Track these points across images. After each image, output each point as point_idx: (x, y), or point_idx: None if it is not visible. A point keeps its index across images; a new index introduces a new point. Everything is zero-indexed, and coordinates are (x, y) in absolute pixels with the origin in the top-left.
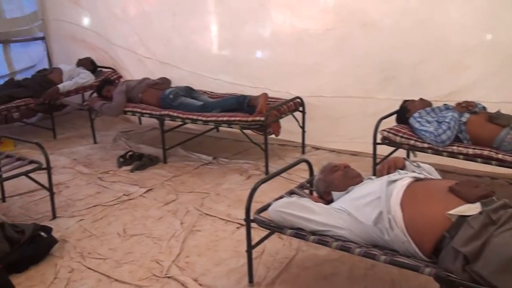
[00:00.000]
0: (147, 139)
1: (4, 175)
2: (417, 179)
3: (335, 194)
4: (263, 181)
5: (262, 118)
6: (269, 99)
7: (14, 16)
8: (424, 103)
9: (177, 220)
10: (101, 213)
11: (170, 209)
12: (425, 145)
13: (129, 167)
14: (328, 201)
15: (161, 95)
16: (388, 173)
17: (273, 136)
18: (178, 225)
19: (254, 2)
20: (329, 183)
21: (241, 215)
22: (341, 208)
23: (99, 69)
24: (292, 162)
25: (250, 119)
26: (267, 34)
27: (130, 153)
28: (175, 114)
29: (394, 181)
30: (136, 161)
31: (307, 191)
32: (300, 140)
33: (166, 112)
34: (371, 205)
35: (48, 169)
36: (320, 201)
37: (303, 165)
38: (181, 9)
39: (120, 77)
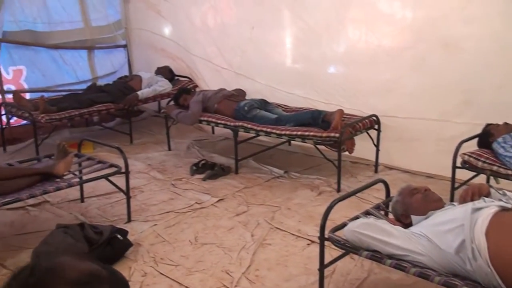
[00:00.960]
0: (219, 148)
1: (85, 177)
2: (504, 209)
3: (414, 218)
4: (340, 199)
5: (337, 135)
6: (344, 116)
7: (100, 25)
8: (508, 128)
9: (248, 232)
10: (174, 220)
11: (241, 220)
12: (510, 171)
13: (201, 176)
14: (406, 224)
15: (236, 107)
16: (472, 200)
17: (346, 153)
18: (249, 237)
19: (331, 18)
20: (408, 206)
21: (312, 231)
22: (420, 233)
23: (177, 77)
24: (364, 180)
25: (324, 134)
26: (342, 50)
27: (203, 161)
28: (249, 126)
29: (479, 208)
30: (208, 170)
31: (383, 212)
32: (372, 158)
33: (240, 124)
34: (453, 233)
35: (127, 173)
36: (398, 224)
37: (377, 184)
38: (259, 23)
39: (197, 86)
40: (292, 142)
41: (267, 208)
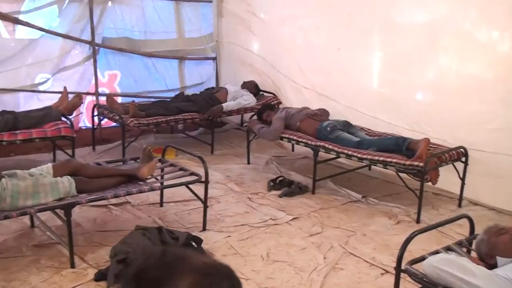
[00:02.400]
0: (298, 166)
1: (166, 183)
2: None
3: (499, 259)
4: (420, 231)
5: (421, 164)
6: (429, 145)
7: (193, 36)
8: None
9: (320, 254)
10: (248, 233)
11: (314, 241)
12: None
13: (278, 192)
14: (490, 265)
15: (319, 126)
16: None
17: (429, 183)
18: (321, 259)
19: (422, 44)
20: (494, 246)
21: (387, 261)
22: (506, 277)
23: (262, 93)
24: (446, 213)
25: (408, 162)
26: (431, 78)
27: (280, 178)
28: (330, 146)
29: None
30: (285, 187)
31: (465, 249)
32: (457, 192)
33: (321, 144)
34: None
35: (206, 183)
36: (481, 264)
37: (461, 220)
38: (346, 45)
39: (280, 103)
40: (373, 167)
41: (342, 231)
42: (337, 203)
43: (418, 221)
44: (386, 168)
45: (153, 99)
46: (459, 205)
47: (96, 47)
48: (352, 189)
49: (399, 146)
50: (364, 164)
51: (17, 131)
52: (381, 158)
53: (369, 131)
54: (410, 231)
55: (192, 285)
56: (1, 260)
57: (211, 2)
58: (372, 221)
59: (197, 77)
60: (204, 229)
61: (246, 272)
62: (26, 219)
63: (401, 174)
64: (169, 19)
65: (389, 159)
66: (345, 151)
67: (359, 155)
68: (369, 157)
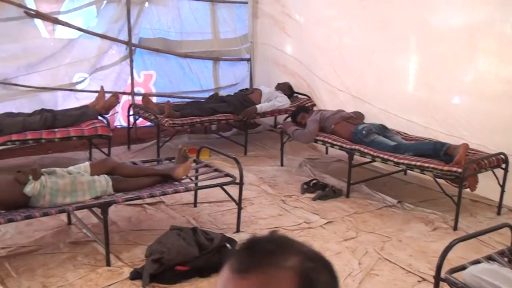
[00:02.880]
0: (331, 169)
1: (201, 183)
2: None
3: None
4: (461, 240)
5: (460, 170)
6: (468, 151)
7: (227, 37)
8: None
9: (355, 259)
10: None
11: (348, 245)
12: None
13: (311, 195)
14: None
15: (354, 130)
16: None
17: (467, 190)
18: (356, 265)
19: (460, 47)
20: None
21: (424, 268)
22: None
23: (296, 95)
24: (484, 221)
25: (446, 168)
26: (469, 81)
27: (314, 181)
28: (365, 150)
29: None
30: (319, 190)
31: (506, 259)
32: (496, 199)
33: (357, 147)
34: None
35: (241, 184)
36: None
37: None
38: (381, 47)
39: (314, 105)
40: (408, 171)
41: (377, 237)
42: (372, 208)
43: (455, 228)
44: (423, 174)
45: (187, 100)
46: (498, 213)
47: (133, 47)
48: (387, 194)
49: (437, 151)
50: (400, 168)
51: (56, 129)
52: (419, 163)
53: (405, 135)
54: (447, 238)
55: (298, 265)
56: (40, 255)
57: (247, 3)
58: (408, 227)
59: (231, 78)
60: (238, 230)
61: None
62: (63, 216)
63: (438, 180)
64: (205, 20)
65: (426, 164)
66: (381, 155)
67: (395, 160)
68: (406, 161)
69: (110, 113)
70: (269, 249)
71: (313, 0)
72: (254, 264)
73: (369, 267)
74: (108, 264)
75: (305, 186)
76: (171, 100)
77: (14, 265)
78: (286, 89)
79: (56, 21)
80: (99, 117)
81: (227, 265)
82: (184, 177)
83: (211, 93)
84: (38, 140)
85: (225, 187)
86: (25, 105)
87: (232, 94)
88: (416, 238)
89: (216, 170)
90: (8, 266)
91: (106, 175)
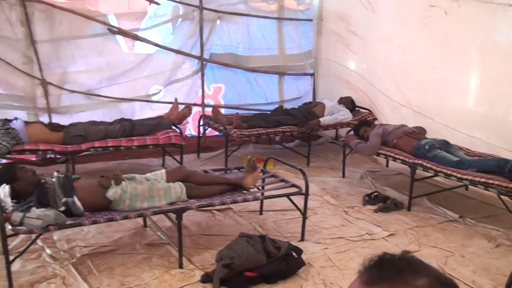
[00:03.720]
0: (392, 182)
1: (268, 193)
2: None
3: None
4: None
5: None
6: None
7: (293, 53)
8: None
9: None
10: (344, 246)
11: None
12: None
13: (373, 207)
14: None
15: (417, 144)
16: None
17: None
18: None
19: None
20: None
21: (488, 285)
22: None
23: (358, 108)
24: None
25: (511, 185)
26: None
27: (375, 193)
28: (428, 165)
29: None
30: (381, 202)
31: None
32: None
33: (419, 162)
34: None
35: (306, 195)
36: None
37: None
38: (442, 64)
39: (376, 119)
40: (470, 187)
41: (440, 251)
42: (433, 222)
43: None
44: (487, 190)
45: (253, 111)
46: None
47: (204, 62)
48: (448, 208)
49: (501, 168)
50: (462, 183)
51: (133, 138)
52: (482, 180)
53: (468, 150)
54: (511, 256)
55: (427, 286)
56: (118, 255)
57: (312, 21)
58: (471, 242)
59: (295, 91)
60: (302, 239)
61: (345, 286)
62: (139, 219)
63: (502, 197)
64: (272, 36)
65: (491, 181)
66: (444, 170)
67: (458, 175)
68: (469, 177)
69: (183, 123)
70: (400, 266)
71: (377, 18)
72: (385, 278)
73: None
74: (181, 266)
75: (367, 198)
76: (238, 112)
77: (95, 263)
78: (348, 103)
79: (136, 38)
80: (173, 127)
81: (358, 277)
82: (252, 186)
83: (276, 105)
84: (118, 147)
85: (290, 196)
86: (106, 114)
87: (296, 107)
88: (479, 254)
89: (282, 180)
90: (90, 263)
91: (180, 183)
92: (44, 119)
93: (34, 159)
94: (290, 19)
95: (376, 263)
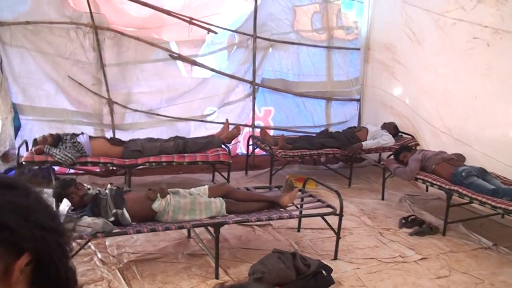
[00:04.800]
0: (430, 207)
1: (304, 212)
2: None
3: None
4: None
5: None
6: None
7: (340, 80)
8: None
9: None
10: (376, 267)
11: (441, 284)
12: None
13: (409, 230)
14: None
15: (454, 171)
16: None
17: None
18: None
19: None
20: None
21: None
22: None
23: (400, 134)
24: None
25: None
26: None
27: (412, 217)
28: (464, 192)
29: None
30: (417, 226)
31: None
32: None
33: (456, 188)
34: None
35: (340, 216)
36: None
37: None
38: (483, 93)
39: (417, 144)
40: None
41: (470, 278)
42: (467, 248)
43: None
44: None
45: (300, 133)
46: None
47: (256, 86)
48: (483, 235)
49: None
50: (497, 212)
51: (185, 154)
52: None
53: (505, 179)
54: None
55: None
56: (161, 263)
57: (359, 49)
58: (502, 271)
59: (341, 116)
60: (335, 258)
61: None
62: (184, 230)
63: None
64: (320, 64)
65: None
66: (479, 198)
67: (493, 203)
68: (503, 206)
69: (232, 142)
70: None
71: (421, 48)
72: None
73: None
74: (217, 277)
75: (403, 221)
76: (286, 133)
77: (140, 269)
78: (391, 128)
79: (194, 63)
80: (223, 146)
81: None
82: (290, 204)
83: (322, 129)
84: (170, 163)
85: (326, 216)
86: (164, 132)
87: (341, 131)
88: (509, 283)
89: (319, 200)
90: (135, 269)
91: (221, 198)
92: (109, 134)
93: (98, 170)
94: (339, 48)
95: None
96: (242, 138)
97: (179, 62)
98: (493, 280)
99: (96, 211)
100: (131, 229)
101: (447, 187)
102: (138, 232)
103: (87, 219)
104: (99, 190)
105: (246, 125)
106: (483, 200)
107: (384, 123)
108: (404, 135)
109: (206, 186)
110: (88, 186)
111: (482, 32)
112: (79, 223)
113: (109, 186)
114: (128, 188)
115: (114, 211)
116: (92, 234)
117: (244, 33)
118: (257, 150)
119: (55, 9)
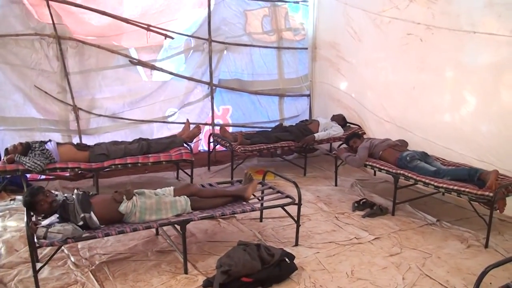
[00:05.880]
0: (379, 190)
1: (266, 204)
2: None
3: None
4: (494, 266)
5: (491, 194)
6: (498, 176)
7: (291, 77)
8: None
9: (400, 275)
10: (334, 250)
11: (394, 261)
12: None
13: (361, 213)
14: None
15: (399, 156)
16: None
17: (497, 211)
18: (400, 280)
19: (487, 82)
20: None
21: (459, 285)
22: None
23: (348, 124)
24: (510, 239)
25: (479, 192)
26: (495, 112)
27: (363, 200)
28: (409, 174)
29: None
30: (368, 208)
31: None
32: None
33: (401, 172)
34: None
35: (299, 205)
36: None
37: None
38: (420, 84)
39: (364, 133)
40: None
41: (419, 253)
42: (414, 225)
43: (486, 246)
44: (460, 197)
45: (257, 129)
46: None
47: (213, 87)
48: (427, 213)
49: (471, 176)
50: (439, 191)
51: (149, 155)
52: (455, 187)
53: (444, 161)
54: (479, 256)
55: None
56: (132, 262)
57: (307, 49)
58: (446, 244)
59: (293, 110)
60: (296, 244)
61: None
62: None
63: (472, 202)
64: (272, 63)
65: (462, 189)
66: (423, 179)
67: (435, 184)
68: (444, 185)
69: (194, 141)
70: None
71: (363, 45)
72: None
73: (412, 283)
74: (186, 272)
75: (356, 205)
76: (244, 129)
77: (111, 270)
78: (340, 119)
79: (153, 67)
80: (185, 145)
81: None
82: (252, 196)
83: (277, 123)
84: (135, 164)
85: (285, 206)
86: (128, 134)
87: (294, 124)
88: (453, 255)
89: (278, 192)
90: (107, 270)
91: (185, 196)
92: (76, 140)
93: (67, 174)
94: (288, 48)
95: None
96: (203, 136)
97: (139, 67)
98: (439, 253)
99: (65, 216)
100: (100, 232)
101: (394, 171)
102: (107, 235)
103: (57, 226)
104: (66, 196)
105: (206, 124)
106: (427, 181)
107: (333, 115)
108: (351, 125)
109: (172, 188)
110: (56, 193)
111: (415, 28)
112: (50, 230)
113: (75, 191)
114: (94, 192)
115: (82, 215)
116: (63, 240)
117: (199, 38)
118: (218, 147)
119: (20, 22)
